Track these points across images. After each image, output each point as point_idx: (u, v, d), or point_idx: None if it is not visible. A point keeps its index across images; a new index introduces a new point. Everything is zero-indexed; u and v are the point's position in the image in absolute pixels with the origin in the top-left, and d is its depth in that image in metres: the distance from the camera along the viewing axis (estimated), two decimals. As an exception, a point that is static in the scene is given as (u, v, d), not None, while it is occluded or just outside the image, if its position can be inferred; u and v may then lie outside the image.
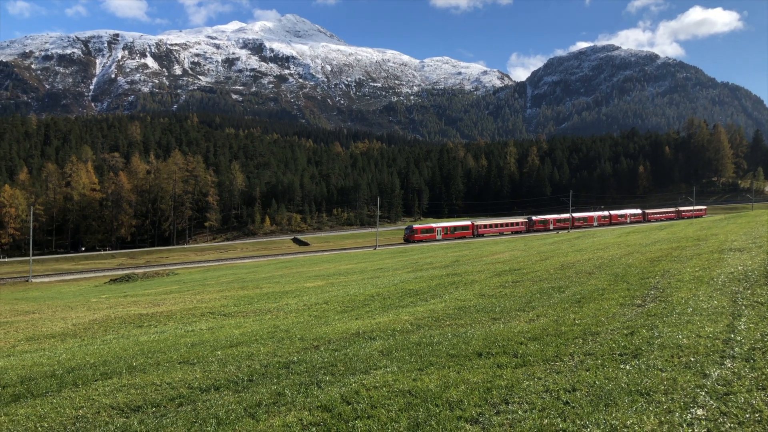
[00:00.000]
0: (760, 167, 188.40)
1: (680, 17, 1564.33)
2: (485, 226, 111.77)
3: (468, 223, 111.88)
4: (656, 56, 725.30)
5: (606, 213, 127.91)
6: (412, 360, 9.32)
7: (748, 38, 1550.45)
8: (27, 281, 65.81)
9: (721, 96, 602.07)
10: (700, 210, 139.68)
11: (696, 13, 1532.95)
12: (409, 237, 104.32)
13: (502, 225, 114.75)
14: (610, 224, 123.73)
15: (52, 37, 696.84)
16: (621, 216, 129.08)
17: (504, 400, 6.86)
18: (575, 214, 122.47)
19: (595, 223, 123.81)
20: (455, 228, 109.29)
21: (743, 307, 9.93)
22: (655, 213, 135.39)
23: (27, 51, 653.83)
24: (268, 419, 7.18)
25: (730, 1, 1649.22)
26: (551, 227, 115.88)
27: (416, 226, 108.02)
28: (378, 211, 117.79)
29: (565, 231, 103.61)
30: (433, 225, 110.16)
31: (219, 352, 12.10)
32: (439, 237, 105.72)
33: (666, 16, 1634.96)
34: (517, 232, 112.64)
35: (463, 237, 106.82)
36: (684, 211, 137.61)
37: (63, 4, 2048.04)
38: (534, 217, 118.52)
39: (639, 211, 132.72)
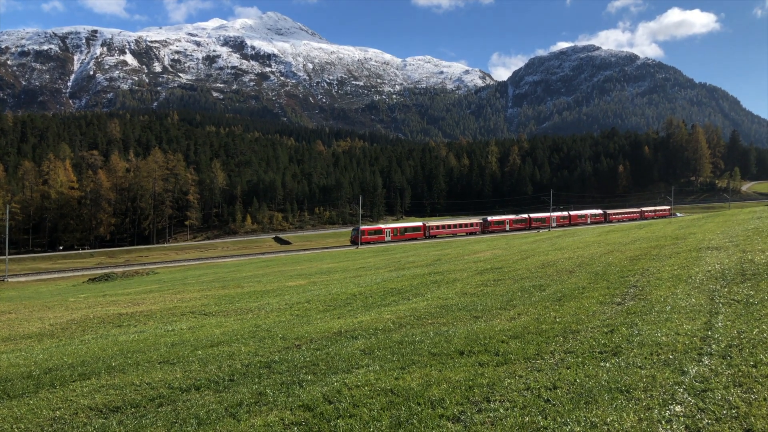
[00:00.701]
0: (736, 167, 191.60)
1: (659, 18, 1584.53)
2: (437, 227, 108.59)
3: (419, 224, 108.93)
4: (636, 57, 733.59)
5: (565, 213, 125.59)
6: (394, 359, 9.32)
7: (726, 40, 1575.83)
8: (3, 281, 64.78)
9: (699, 96, 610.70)
10: (664, 210, 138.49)
11: (674, 15, 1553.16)
12: (356, 238, 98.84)
13: (455, 226, 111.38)
14: (570, 225, 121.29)
15: (28, 33, 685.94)
16: (581, 216, 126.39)
17: (485, 399, 6.88)
18: (533, 215, 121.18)
19: (554, 224, 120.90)
20: (405, 229, 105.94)
21: (720, 305, 10.07)
22: (617, 213, 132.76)
23: (2, 47, 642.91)
24: (249, 419, 7.13)
25: (707, 3, 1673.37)
26: (507, 228, 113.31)
27: (364, 227, 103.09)
28: (360, 210, 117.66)
29: (523, 232, 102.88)
30: (382, 226, 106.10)
31: (200, 352, 12.00)
32: (388, 238, 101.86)
33: (645, 17, 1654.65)
34: (471, 233, 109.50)
35: (414, 239, 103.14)
36: (647, 211, 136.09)
37: (39, 0, 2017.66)
38: (489, 218, 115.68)
39: (600, 211, 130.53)
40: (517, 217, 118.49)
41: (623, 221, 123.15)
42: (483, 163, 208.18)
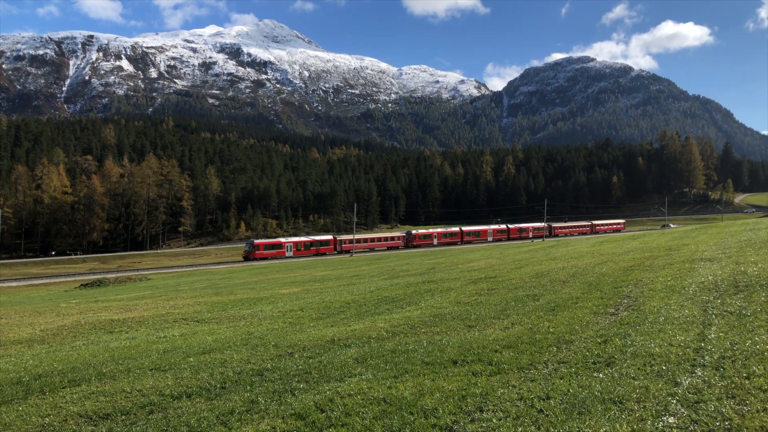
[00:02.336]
0: (729, 179, 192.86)
1: (653, 30, 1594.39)
2: (349, 241, 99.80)
3: (329, 237, 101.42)
4: (630, 68, 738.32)
5: (503, 227, 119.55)
6: (387, 367, 9.29)
7: (719, 53, 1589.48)
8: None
9: (693, 108, 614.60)
10: (618, 224, 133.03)
11: (668, 27, 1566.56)
12: (249, 254, 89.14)
13: (373, 240, 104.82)
14: (509, 239, 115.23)
15: (24, 37, 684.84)
16: (522, 230, 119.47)
17: (478, 408, 6.85)
18: (465, 228, 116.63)
19: (490, 238, 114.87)
20: (311, 243, 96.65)
21: (713, 317, 10.09)
22: (564, 227, 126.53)
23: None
24: (240, 427, 7.08)
25: (701, 16, 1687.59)
26: (435, 242, 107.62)
27: (258, 241, 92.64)
28: (355, 218, 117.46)
29: (454, 246, 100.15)
30: (282, 240, 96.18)
31: (191, 359, 11.93)
32: (289, 253, 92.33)
33: (639, 29, 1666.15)
34: (393, 248, 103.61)
35: (322, 254, 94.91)
36: (599, 225, 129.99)
37: (34, 4, 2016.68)
38: (414, 231, 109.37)
39: (544, 224, 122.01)
40: (446, 230, 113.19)
41: (571, 235, 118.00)
42: (478, 173, 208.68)
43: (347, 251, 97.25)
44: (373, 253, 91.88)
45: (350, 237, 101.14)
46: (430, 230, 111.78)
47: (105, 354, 14.19)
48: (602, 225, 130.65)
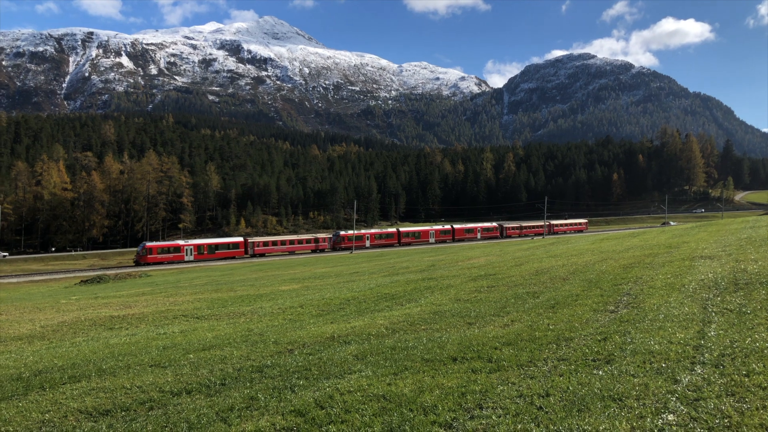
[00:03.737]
0: (730, 177, 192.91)
1: (653, 27, 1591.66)
2: (265, 243, 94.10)
3: (239, 240, 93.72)
4: (631, 65, 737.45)
5: (448, 227, 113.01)
6: (386, 364, 9.29)
7: (720, 50, 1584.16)
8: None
9: (693, 106, 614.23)
10: (579, 224, 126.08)
11: (669, 24, 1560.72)
12: (141, 258, 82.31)
13: (293, 242, 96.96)
14: (454, 240, 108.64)
15: (24, 34, 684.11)
16: (469, 231, 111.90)
17: (478, 405, 6.86)
18: (403, 229, 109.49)
19: (432, 239, 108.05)
20: (216, 246, 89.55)
21: (713, 314, 10.09)
22: (517, 228, 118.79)
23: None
24: (240, 424, 7.09)
25: (702, 13, 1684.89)
26: (367, 244, 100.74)
27: (150, 244, 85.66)
28: (355, 215, 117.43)
29: (391, 248, 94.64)
30: (181, 243, 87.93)
31: (191, 356, 11.94)
32: (189, 257, 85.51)
33: (640, 25, 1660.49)
34: (318, 250, 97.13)
35: (231, 257, 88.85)
36: (557, 225, 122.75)
37: (33, 1, 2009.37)
38: (342, 233, 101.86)
39: (494, 224, 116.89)
40: (381, 231, 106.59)
41: (525, 236, 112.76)
42: (478, 170, 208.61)
43: (260, 254, 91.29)
44: (372, 251, 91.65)
45: (263, 239, 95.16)
46: (362, 231, 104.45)
47: (105, 350, 14.20)
48: (561, 225, 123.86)
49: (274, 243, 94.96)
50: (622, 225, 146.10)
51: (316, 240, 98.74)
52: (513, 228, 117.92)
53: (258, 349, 11.99)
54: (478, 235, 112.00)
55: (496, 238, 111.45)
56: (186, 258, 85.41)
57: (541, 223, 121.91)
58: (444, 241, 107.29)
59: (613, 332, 9.65)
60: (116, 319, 21.95)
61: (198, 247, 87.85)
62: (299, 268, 53.52)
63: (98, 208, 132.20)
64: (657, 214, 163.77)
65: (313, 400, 7.68)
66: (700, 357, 7.72)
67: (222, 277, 48.44)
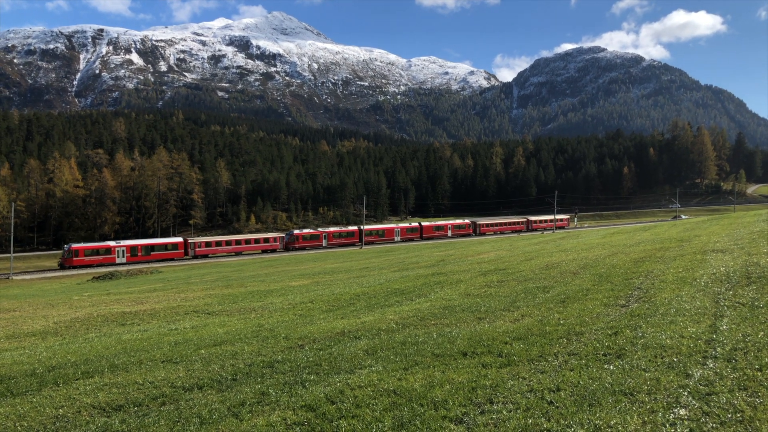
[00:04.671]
0: (742, 170, 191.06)
1: (663, 20, 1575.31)
2: (205, 244, 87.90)
3: (178, 240, 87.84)
4: (641, 58, 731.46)
5: (415, 224, 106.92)
6: (397, 359, 9.31)
7: (732, 42, 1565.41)
8: (7, 278, 64.97)
9: (705, 99, 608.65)
10: (561, 220, 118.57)
11: (679, 16, 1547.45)
12: (65, 261, 76.98)
13: (239, 242, 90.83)
14: (422, 239, 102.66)
15: (35, 32, 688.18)
16: (438, 228, 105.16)
17: (489, 400, 6.86)
18: (366, 227, 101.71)
19: (397, 238, 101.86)
20: (152, 247, 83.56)
21: (725, 308, 10.03)
22: (492, 224, 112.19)
23: (9, 45, 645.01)
24: (251, 419, 7.13)
25: (713, 5, 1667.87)
26: (324, 243, 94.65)
27: (76, 245, 79.23)
28: (364, 210, 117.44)
29: (350, 248, 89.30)
30: (112, 244, 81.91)
31: (203, 351, 12.01)
32: (121, 260, 79.62)
33: (650, 18, 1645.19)
34: (270, 251, 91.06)
35: (169, 259, 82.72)
36: (537, 221, 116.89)
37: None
38: (296, 231, 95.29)
39: (466, 221, 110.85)
40: (340, 229, 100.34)
41: (502, 233, 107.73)
42: (487, 164, 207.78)
43: (202, 256, 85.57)
44: (382, 246, 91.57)
45: (206, 239, 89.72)
46: (319, 230, 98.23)
47: (117, 346, 14.32)
48: (541, 222, 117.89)
49: (218, 243, 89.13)
50: (633, 219, 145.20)
51: (266, 240, 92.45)
52: (487, 225, 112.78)
53: (269, 345, 12.05)
54: (449, 233, 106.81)
55: (468, 235, 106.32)
56: (117, 260, 79.56)
57: (519, 219, 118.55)
58: (411, 240, 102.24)
59: (624, 326, 9.61)
60: (128, 315, 22.12)
61: (131, 248, 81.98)
62: (309, 263, 53.67)
63: (110, 204, 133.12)
64: (668, 208, 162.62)
65: (324, 395, 7.71)
66: (712, 351, 7.69)
67: (233, 272, 48.66)
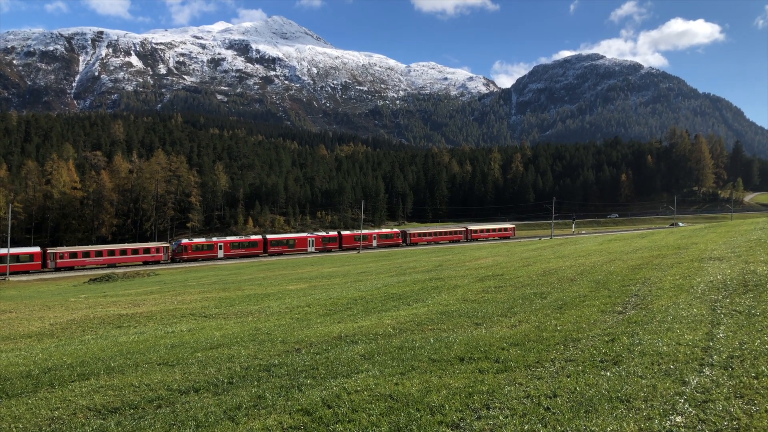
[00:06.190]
0: (739, 178, 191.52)
1: (662, 28, 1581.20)
2: (71, 255, 77.04)
3: (35, 250, 75.78)
4: (640, 66, 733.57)
5: (333, 233, 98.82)
6: (393, 364, 9.30)
7: (730, 50, 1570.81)
8: (4, 280, 64.81)
9: (703, 107, 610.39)
10: (504, 230, 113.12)
11: (677, 24, 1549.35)
12: None
13: (109, 253, 79.57)
14: (341, 249, 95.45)
15: (34, 33, 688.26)
16: (361, 238, 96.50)
17: (485, 406, 6.86)
18: (270, 236, 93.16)
19: (311, 248, 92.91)
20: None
21: (722, 316, 10.04)
22: (424, 234, 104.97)
23: (8, 47, 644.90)
24: (247, 422, 7.12)
25: (711, 13, 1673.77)
26: (220, 254, 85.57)
27: None
28: (362, 215, 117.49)
29: (254, 259, 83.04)
30: None
31: (199, 354, 11.99)
32: None
33: (648, 26, 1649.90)
34: (152, 262, 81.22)
35: (24, 272, 72.00)
36: (477, 231, 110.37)
37: (43, 0, 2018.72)
38: (184, 241, 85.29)
39: (395, 230, 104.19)
40: (240, 239, 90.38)
41: (436, 243, 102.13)
42: (485, 170, 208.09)
43: (67, 268, 75.42)
44: (379, 251, 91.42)
45: (69, 250, 78.40)
46: (214, 240, 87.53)
47: (113, 348, 14.28)
48: (482, 231, 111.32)
49: (86, 254, 77.95)
50: (631, 226, 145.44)
51: (147, 250, 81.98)
52: (419, 234, 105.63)
53: (265, 348, 12.03)
54: (374, 243, 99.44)
55: (396, 245, 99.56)
56: None
57: (458, 228, 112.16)
58: (329, 250, 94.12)
59: (621, 333, 9.62)
60: (125, 317, 22.07)
61: None
62: (307, 267, 53.64)
63: (107, 207, 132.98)
64: (665, 215, 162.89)
65: (321, 399, 7.70)
66: (708, 359, 7.69)
67: (230, 276, 48.60)
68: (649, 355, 8.12)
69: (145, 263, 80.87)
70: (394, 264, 45.80)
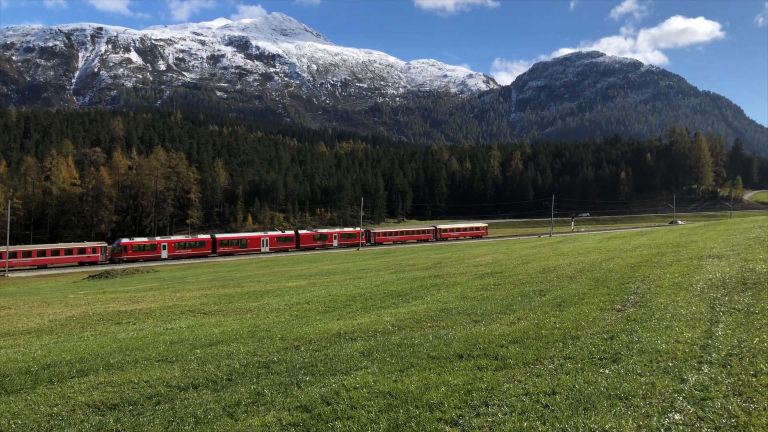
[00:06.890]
0: (739, 176, 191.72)
1: (662, 25, 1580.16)
2: (17, 254, 72.70)
3: None
4: (640, 64, 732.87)
5: (290, 233, 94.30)
6: (392, 361, 9.30)
7: (729, 48, 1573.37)
8: (3, 276, 64.80)
9: (703, 105, 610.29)
10: (476, 229, 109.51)
11: (677, 22, 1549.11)
12: None
13: (39, 254, 74.53)
14: (298, 249, 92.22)
15: (34, 29, 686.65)
16: (320, 237, 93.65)
17: (484, 403, 6.86)
18: (219, 236, 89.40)
19: (264, 248, 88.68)
20: None
21: (721, 314, 10.05)
22: (389, 233, 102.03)
23: (8, 42, 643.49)
24: (246, 419, 7.12)
25: (711, 11, 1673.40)
26: (164, 255, 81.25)
27: None
28: (361, 212, 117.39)
29: (206, 258, 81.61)
30: None
31: (198, 351, 11.99)
32: None
33: (648, 23, 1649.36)
34: (88, 263, 77.30)
35: None
36: (447, 230, 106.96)
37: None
38: (124, 241, 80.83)
39: (357, 230, 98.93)
40: (185, 238, 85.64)
41: (403, 243, 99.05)
42: (485, 168, 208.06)
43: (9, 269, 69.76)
44: (381, 247, 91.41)
45: (20, 249, 74.30)
46: (157, 239, 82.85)
47: (113, 345, 14.28)
48: (452, 230, 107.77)
49: (13, 255, 72.37)
50: (630, 224, 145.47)
51: (82, 251, 77.52)
52: (384, 233, 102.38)
53: (264, 345, 12.03)
54: (335, 243, 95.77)
55: (356, 246, 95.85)
56: None
57: (427, 227, 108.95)
58: (286, 250, 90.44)
59: (620, 331, 9.63)
60: (124, 314, 22.07)
61: None
62: (306, 264, 53.64)
63: (106, 203, 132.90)
64: (665, 213, 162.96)
65: (320, 396, 7.70)
66: (707, 356, 7.70)
67: (229, 273, 48.60)
68: (648, 353, 8.12)
69: (81, 264, 77.02)
70: (393, 261, 45.81)
